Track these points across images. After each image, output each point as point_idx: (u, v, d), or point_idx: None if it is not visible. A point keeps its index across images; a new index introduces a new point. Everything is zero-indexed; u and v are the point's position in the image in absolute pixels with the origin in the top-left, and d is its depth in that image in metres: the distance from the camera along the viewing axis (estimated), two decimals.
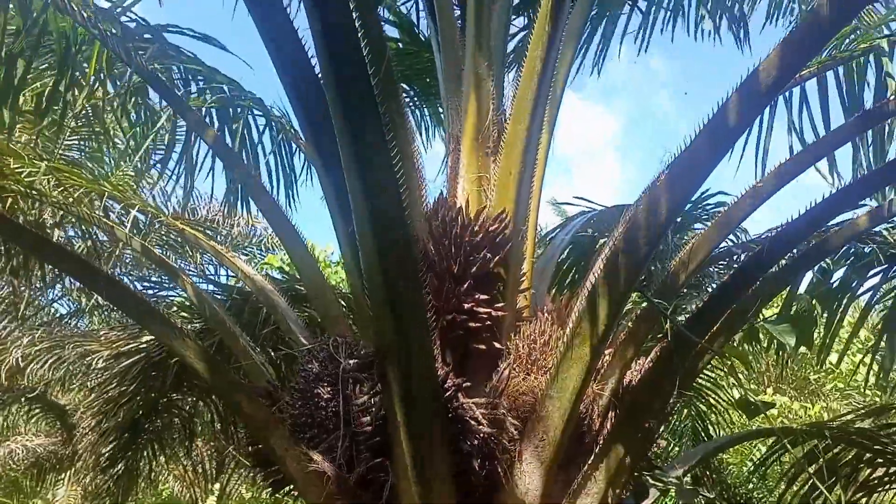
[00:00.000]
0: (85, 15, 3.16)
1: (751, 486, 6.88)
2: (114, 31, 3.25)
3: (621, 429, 2.62)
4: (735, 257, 3.61)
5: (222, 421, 6.51)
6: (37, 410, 12.19)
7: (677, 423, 5.76)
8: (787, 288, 3.42)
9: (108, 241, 4.03)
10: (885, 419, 4.78)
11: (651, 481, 2.94)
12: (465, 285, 2.72)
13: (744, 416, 5.93)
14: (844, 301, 4.13)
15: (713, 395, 5.60)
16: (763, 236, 3.26)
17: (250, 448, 3.16)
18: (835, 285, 4.02)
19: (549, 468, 2.59)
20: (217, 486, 9.59)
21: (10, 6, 3.00)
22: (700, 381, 5.51)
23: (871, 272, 4.16)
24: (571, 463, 2.73)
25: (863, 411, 4.71)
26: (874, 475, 4.79)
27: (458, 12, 3.62)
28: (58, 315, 9.15)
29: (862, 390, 8.26)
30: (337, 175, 2.34)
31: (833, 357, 9.37)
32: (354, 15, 1.85)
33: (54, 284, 7.03)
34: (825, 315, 3.78)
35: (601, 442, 2.65)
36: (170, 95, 3.57)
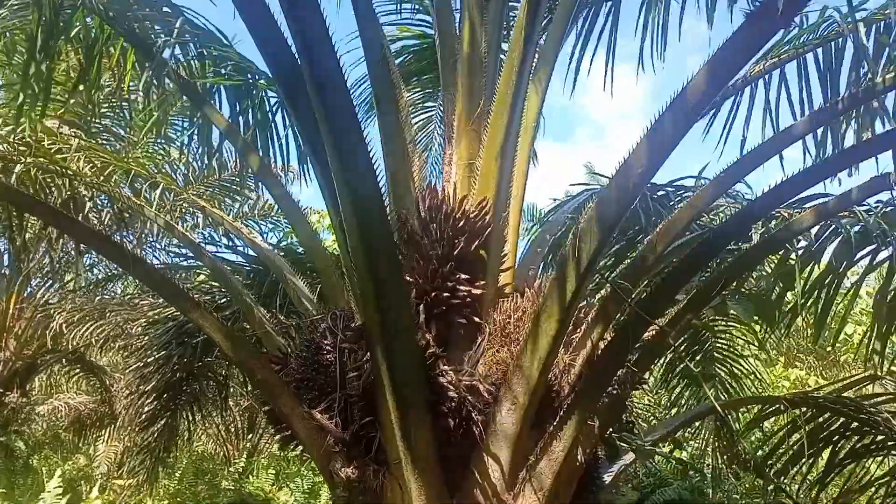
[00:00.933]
0: (111, 14, 3.56)
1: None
2: (137, 26, 3.64)
3: (583, 395, 2.99)
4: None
5: (251, 382, 7.04)
6: (78, 371, 12.99)
7: (702, 390, 6.07)
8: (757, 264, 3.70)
9: (136, 218, 4.47)
10: (871, 389, 5.05)
11: (619, 442, 3.32)
12: (448, 266, 3.10)
13: (762, 383, 6.26)
14: (836, 280, 4.39)
15: (735, 365, 5.90)
16: (708, 226, 3.54)
17: (264, 408, 3.62)
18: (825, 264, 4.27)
19: (520, 428, 2.98)
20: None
21: (45, 5, 3.39)
22: (722, 350, 5.85)
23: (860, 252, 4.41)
24: (542, 424, 3.12)
25: (848, 381, 4.97)
26: (861, 443, 5.03)
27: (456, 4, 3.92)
28: (94, 280, 9.72)
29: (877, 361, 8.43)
30: (326, 171, 2.71)
31: (849, 328, 9.54)
32: (328, 33, 2.18)
33: (90, 251, 7.55)
34: (804, 292, 4.04)
35: (565, 406, 3.02)
36: (188, 87, 3.97)
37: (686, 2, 4.15)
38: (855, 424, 4.90)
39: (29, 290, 10.40)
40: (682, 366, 5.77)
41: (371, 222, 2.47)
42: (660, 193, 4.98)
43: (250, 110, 4.16)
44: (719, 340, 5.86)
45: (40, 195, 4.29)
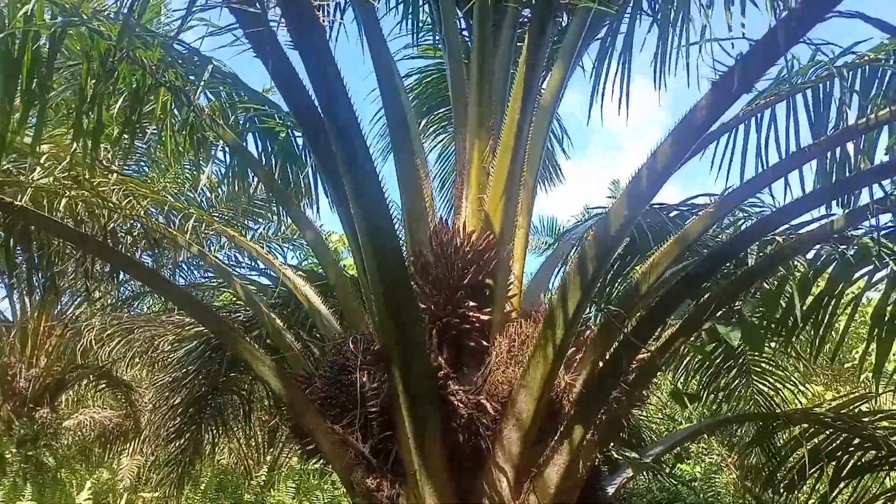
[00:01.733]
0: (152, 65, 3.99)
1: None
2: (175, 79, 4.07)
3: (581, 412, 3.34)
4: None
5: (274, 399, 7.44)
6: (103, 386, 13.50)
7: (744, 402, 6.37)
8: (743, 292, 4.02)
9: (169, 246, 4.89)
10: (870, 406, 5.30)
11: (616, 456, 3.66)
12: (459, 295, 3.47)
13: (797, 395, 6.53)
14: (833, 301, 4.68)
15: (772, 378, 6.21)
16: (693, 259, 3.88)
17: (290, 424, 4.00)
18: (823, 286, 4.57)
19: (524, 443, 3.34)
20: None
21: (94, 56, 3.83)
22: (762, 364, 6.15)
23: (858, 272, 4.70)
24: (545, 439, 3.47)
25: (848, 398, 5.24)
26: (863, 458, 5.25)
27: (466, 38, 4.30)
28: (122, 299, 10.21)
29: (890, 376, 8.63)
30: (345, 206, 3.10)
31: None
32: (347, 94, 2.57)
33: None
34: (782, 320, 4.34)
35: (566, 423, 3.37)
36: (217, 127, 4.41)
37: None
38: (857, 441, 5.14)
39: (58, 308, 10.93)
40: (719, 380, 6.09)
41: (387, 258, 2.86)
42: (673, 214, 5.36)
43: (276, 148, 4.57)
44: (756, 356, 6.16)
45: (81, 227, 4.74)
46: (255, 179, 5.18)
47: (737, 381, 6.33)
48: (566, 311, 3.09)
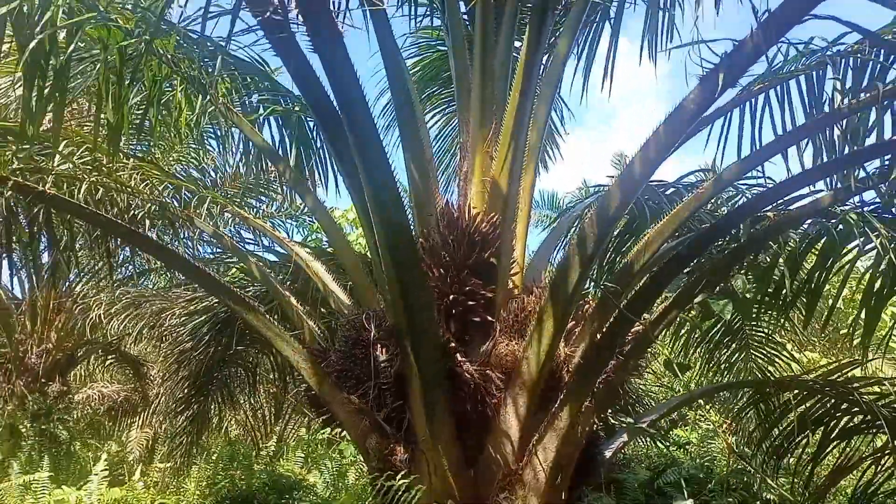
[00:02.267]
0: (169, 56, 4.22)
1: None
2: (192, 69, 4.30)
3: (579, 381, 3.64)
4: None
5: (280, 371, 7.77)
6: (112, 360, 13.87)
7: (741, 372, 6.69)
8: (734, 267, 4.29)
9: (187, 227, 5.15)
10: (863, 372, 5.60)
11: (613, 421, 3.97)
12: (464, 273, 3.75)
13: (792, 363, 6.84)
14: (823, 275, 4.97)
15: (769, 348, 6.52)
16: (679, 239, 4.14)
17: (307, 395, 4.31)
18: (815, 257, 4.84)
19: (526, 410, 3.65)
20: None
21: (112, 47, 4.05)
22: (759, 336, 6.47)
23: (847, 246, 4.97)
24: (546, 406, 3.77)
25: (837, 365, 5.55)
26: (850, 423, 5.57)
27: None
28: (129, 274, 10.48)
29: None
30: (358, 190, 3.35)
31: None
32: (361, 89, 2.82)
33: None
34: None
35: (565, 392, 3.67)
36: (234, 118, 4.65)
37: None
38: (845, 406, 5.46)
39: (66, 284, 11.20)
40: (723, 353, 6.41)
41: (399, 246, 3.13)
42: (670, 191, 5.63)
43: (290, 131, 4.82)
44: (755, 328, 6.46)
45: (100, 208, 4.99)
46: (269, 165, 5.44)
47: (736, 354, 6.65)
48: (566, 288, 3.37)
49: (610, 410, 4.21)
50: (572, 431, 3.74)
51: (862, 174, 4.10)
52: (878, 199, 4.46)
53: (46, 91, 3.61)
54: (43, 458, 8.98)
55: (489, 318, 3.81)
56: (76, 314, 10.79)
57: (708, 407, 9.45)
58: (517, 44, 4.40)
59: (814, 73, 4.35)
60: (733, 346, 6.56)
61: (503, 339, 3.75)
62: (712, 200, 4.46)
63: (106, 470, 7.47)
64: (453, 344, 3.65)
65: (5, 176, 3.71)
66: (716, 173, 4.19)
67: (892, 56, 4.07)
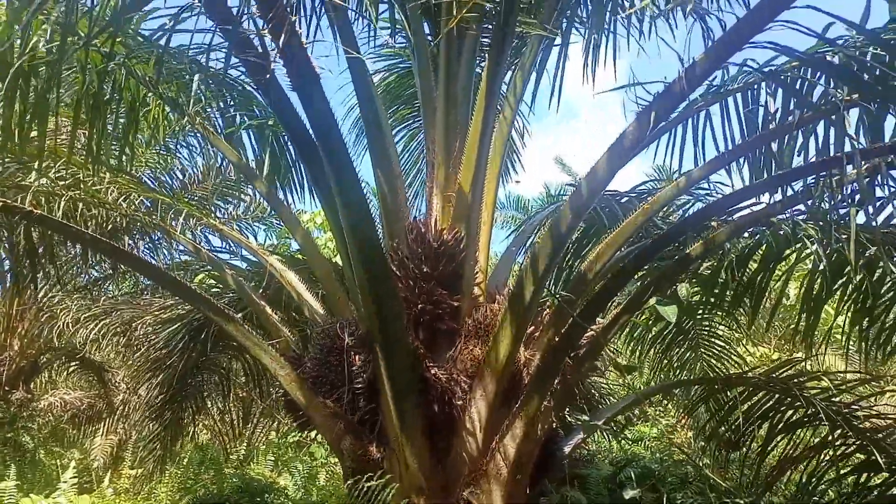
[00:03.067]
0: (147, 78, 4.50)
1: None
2: (170, 90, 4.58)
3: (537, 384, 4.01)
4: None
5: (252, 376, 8.03)
6: (74, 367, 13.91)
7: (694, 370, 7.13)
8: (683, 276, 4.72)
9: (165, 239, 5.43)
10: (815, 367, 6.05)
11: (569, 420, 4.36)
12: (431, 284, 4.10)
13: (741, 363, 7.32)
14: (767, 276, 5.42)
15: (720, 347, 6.98)
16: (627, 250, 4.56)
17: (284, 401, 4.62)
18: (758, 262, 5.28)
19: (489, 411, 4.01)
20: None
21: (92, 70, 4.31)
22: (709, 336, 6.91)
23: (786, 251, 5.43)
24: (508, 406, 4.14)
25: (779, 362, 6.01)
26: (794, 417, 6.01)
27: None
28: (96, 278, 10.60)
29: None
30: (332, 207, 3.68)
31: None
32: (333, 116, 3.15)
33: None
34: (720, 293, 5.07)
35: (524, 393, 4.05)
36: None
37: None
38: (788, 400, 5.91)
39: (29, 292, 11.29)
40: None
41: (372, 256, 3.47)
42: (623, 200, 6.06)
43: (266, 148, 5.13)
44: (704, 327, 6.91)
45: (80, 223, 5.24)
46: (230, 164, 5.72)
47: (688, 353, 7.13)
48: (523, 298, 3.75)
49: (569, 409, 4.60)
50: (532, 430, 4.12)
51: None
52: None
53: (28, 115, 3.88)
54: (9, 467, 9.11)
55: (455, 326, 4.17)
56: (41, 321, 10.90)
57: (667, 403, 9.97)
58: (479, 69, 4.76)
59: (749, 91, 4.79)
60: (685, 345, 7.04)
61: (468, 345, 4.11)
62: (662, 210, 4.87)
63: (74, 478, 7.65)
64: (422, 350, 4.00)
65: None
66: (670, 181, 4.60)
67: (818, 73, 4.51)
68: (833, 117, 3.23)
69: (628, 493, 6.11)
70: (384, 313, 3.60)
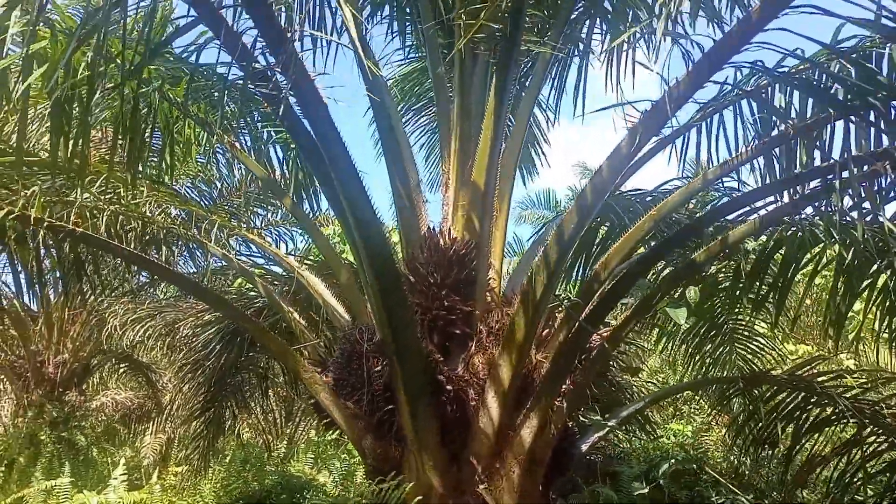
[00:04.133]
0: (179, 100, 4.86)
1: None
2: (200, 112, 4.93)
3: (549, 385, 4.24)
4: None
5: (289, 376, 8.41)
6: (125, 369, 14.58)
7: (729, 365, 7.24)
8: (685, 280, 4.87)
9: (201, 250, 5.80)
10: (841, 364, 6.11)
11: (583, 419, 4.57)
12: (445, 291, 4.36)
13: (779, 361, 7.39)
14: (789, 273, 5.51)
15: (756, 342, 7.09)
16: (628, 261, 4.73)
17: (310, 402, 4.93)
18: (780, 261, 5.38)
19: (502, 412, 4.25)
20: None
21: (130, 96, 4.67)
22: (745, 333, 7.03)
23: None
24: (520, 407, 4.38)
25: (804, 359, 6.09)
26: (821, 416, 6.07)
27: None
28: (142, 284, 11.13)
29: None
30: (347, 224, 3.96)
31: (857, 305, 10.57)
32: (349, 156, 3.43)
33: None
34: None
35: (535, 394, 4.28)
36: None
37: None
38: (814, 399, 5.97)
39: (80, 298, 11.92)
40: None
41: (383, 269, 3.74)
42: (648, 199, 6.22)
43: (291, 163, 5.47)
44: (738, 323, 7.02)
45: (117, 236, 5.64)
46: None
47: (723, 347, 7.23)
48: (532, 303, 3.98)
49: (584, 408, 4.81)
50: (544, 429, 4.35)
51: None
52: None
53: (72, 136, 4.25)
54: (63, 465, 9.67)
55: (467, 331, 4.42)
56: (91, 325, 11.50)
57: (700, 400, 10.03)
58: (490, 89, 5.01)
59: (762, 94, 4.92)
60: (717, 340, 7.14)
61: (480, 349, 4.36)
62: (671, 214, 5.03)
63: (125, 474, 8.12)
64: (436, 355, 4.26)
65: (40, 217, 4.34)
66: (696, 177, 4.75)
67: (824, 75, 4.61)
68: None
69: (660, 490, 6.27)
70: (395, 322, 3.87)
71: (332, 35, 5.24)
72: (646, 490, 5.72)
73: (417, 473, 4.25)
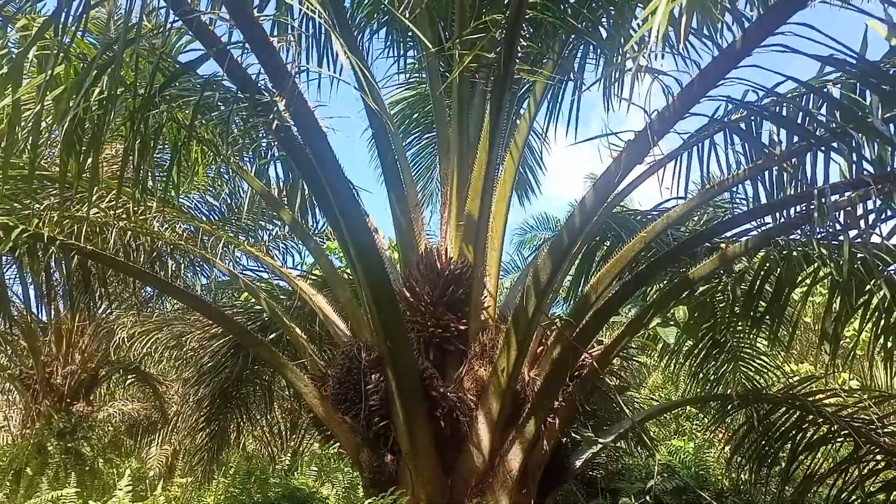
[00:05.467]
0: (186, 122, 5.09)
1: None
2: (206, 133, 5.16)
3: (541, 401, 4.42)
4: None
5: (292, 390, 8.60)
6: (132, 380, 14.83)
7: (731, 383, 7.38)
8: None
9: (204, 262, 6.02)
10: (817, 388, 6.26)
11: (574, 435, 4.75)
12: (440, 309, 4.55)
13: (782, 379, 7.51)
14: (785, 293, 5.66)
15: (759, 361, 7.22)
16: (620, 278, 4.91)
17: (310, 415, 5.13)
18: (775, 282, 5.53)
19: (494, 427, 4.44)
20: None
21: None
22: (748, 351, 7.16)
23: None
24: (513, 423, 4.56)
25: (795, 380, 6.23)
26: (817, 434, 6.18)
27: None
28: (147, 297, 11.39)
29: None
30: (346, 246, 4.17)
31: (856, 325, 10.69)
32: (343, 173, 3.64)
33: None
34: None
35: (527, 409, 4.46)
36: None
37: None
38: (810, 417, 6.09)
39: (88, 310, 12.19)
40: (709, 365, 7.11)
41: (380, 291, 3.94)
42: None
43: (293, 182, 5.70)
44: (740, 342, 7.15)
45: (126, 251, 5.87)
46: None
47: (725, 365, 7.36)
48: (524, 321, 4.18)
49: (577, 424, 4.98)
50: (537, 444, 4.53)
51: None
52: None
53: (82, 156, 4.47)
54: (69, 475, 9.89)
55: (462, 348, 4.62)
56: (100, 337, 11.75)
57: (704, 418, 10.16)
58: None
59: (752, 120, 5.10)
60: (720, 358, 7.28)
61: (474, 365, 4.55)
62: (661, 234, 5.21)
63: (130, 485, 8.31)
64: (431, 371, 4.45)
65: (52, 236, 4.58)
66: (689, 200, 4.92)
67: (822, 101, 4.79)
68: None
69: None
70: (391, 339, 4.07)
71: (332, 65, 5.51)
72: None
73: (413, 486, 4.43)
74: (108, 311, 11.45)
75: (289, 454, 13.05)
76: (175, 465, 14.48)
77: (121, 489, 8.17)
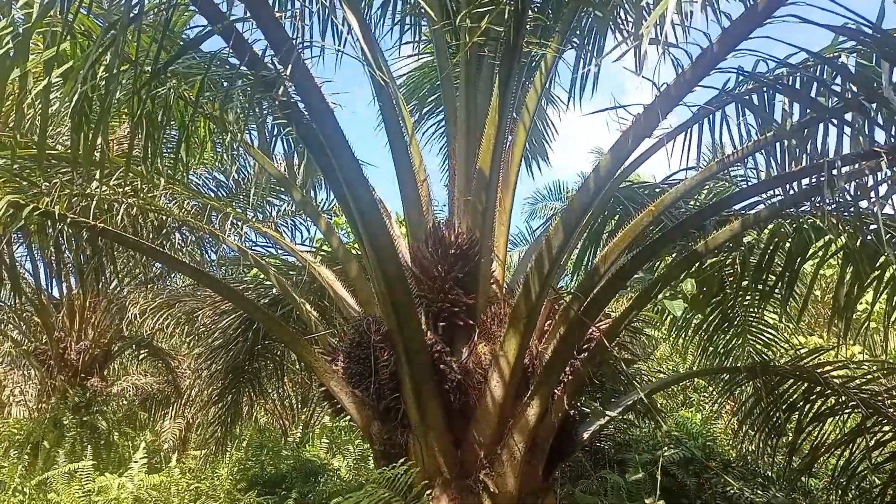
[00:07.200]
0: (194, 99, 5.06)
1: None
2: (214, 110, 5.14)
3: (547, 374, 4.43)
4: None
5: (304, 364, 8.65)
6: (145, 355, 14.97)
7: (740, 357, 7.38)
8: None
9: (217, 242, 6.04)
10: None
11: (582, 407, 4.76)
12: (449, 283, 4.55)
13: (791, 352, 7.50)
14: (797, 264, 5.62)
15: (769, 334, 7.22)
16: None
17: (320, 389, 5.16)
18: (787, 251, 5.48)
19: (503, 399, 4.45)
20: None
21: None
22: (758, 325, 7.15)
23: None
24: (521, 396, 4.57)
25: (803, 352, 6.22)
26: (825, 406, 6.17)
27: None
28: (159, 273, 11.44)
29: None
30: (355, 224, 4.16)
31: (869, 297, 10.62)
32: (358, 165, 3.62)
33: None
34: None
35: (535, 382, 4.47)
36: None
37: None
38: (818, 389, 6.09)
39: (101, 286, 12.27)
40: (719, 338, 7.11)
41: (388, 268, 3.94)
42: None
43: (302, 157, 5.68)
44: (749, 315, 7.14)
45: (134, 228, 5.87)
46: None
47: (735, 339, 7.35)
48: (531, 294, 4.17)
49: (585, 397, 5.00)
50: (544, 416, 4.54)
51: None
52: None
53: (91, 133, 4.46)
54: (85, 448, 10.02)
55: (471, 322, 4.62)
56: (112, 313, 11.84)
57: (712, 390, 10.18)
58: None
59: (765, 92, 5.03)
60: (731, 332, 7.26)
61: (482, 339, 4.56)
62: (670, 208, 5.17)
63: (145, 458, 8.43)
64: (440, 345, 4.46)
65: (63, 213, 4.58)
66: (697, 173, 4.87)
67: (835, 72, 4.73)
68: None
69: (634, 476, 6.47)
70: (401, 317, 4.08)
71: (338, 35, 5.43)
72: (641, 476, 5.86)
73: (422, 458, 4.47)
74: (120, 287, 11.56)
75: (300, 427, 13.19)
76: (189, 437, 14.68)
77: (136, 461, 8.30)
